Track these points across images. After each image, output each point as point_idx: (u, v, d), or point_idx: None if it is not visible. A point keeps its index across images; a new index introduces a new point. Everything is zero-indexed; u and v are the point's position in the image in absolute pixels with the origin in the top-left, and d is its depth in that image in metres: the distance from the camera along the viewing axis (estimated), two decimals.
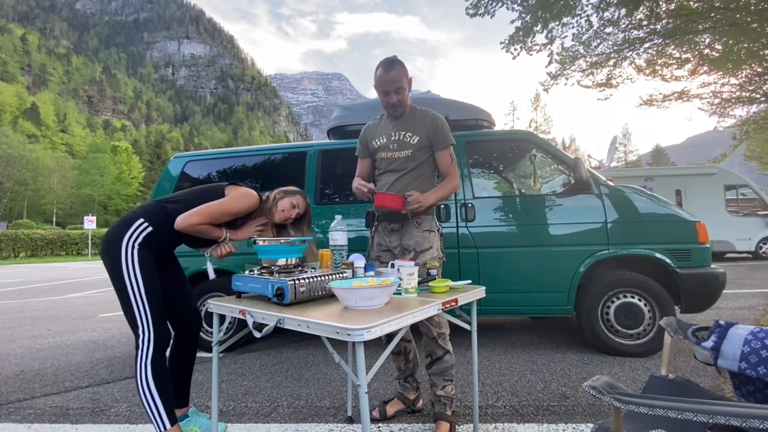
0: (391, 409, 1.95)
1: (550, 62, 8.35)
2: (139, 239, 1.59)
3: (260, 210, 1.81)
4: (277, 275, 1.39)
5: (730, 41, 7.17)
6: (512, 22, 7.32)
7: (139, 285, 1.56)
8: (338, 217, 1.84)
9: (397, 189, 1.86)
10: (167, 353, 1.64)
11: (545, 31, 7.50)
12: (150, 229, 1.62)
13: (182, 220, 1.59)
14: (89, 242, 23.16)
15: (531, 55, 7.93)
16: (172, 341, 1.70)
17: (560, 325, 3.70)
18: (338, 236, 1.76)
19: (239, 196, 1.71)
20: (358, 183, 1.91)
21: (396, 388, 2.12)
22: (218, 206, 1.66)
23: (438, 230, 1.92)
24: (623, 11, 6.88)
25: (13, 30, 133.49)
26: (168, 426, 1.50)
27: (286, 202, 1.81)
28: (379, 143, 1.95)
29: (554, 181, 3.72)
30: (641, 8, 6.71)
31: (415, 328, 1.89)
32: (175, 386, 1.76)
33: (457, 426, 1.79)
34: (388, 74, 1.78)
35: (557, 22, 7.36)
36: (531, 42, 7.65)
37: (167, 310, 1.68)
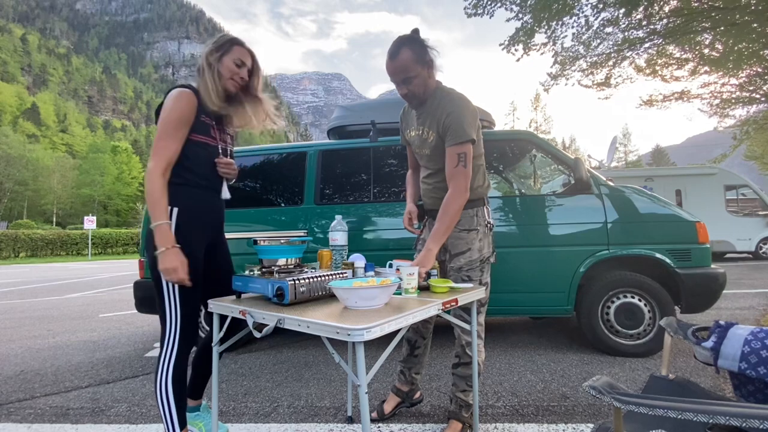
0: (388, 407, 1.91)
1: (555, 62, 8.34)
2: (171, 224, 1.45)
3: (207, 95, 1.48)
4: (277, 275, 1.39)
5: (730, 41, 7.17)
6: (508, 20, 7.33)
7: (171, 289, 1.45)
8: (338, 217, 1.85)
9: (428, 188, 1.75)
10: (191, 353, 1.55)
11: (545, 31, 7.51)
12: (176, 210, 1.45)
13: (149, 168, 1.38)
14: (89, 242, 23.16)
15: (529, 55, 7.93)
16: (206, 332, 1.61)
17: (560, 325, 3.70)
18: (338, 236, 1.77)
19: (169, 107, 1.42)
20: (406, 220, 1.80)
21: (393, 382, 2.07)
22: (160, 130, 1.40)
23: (486, 226, 1.69)
24: (622, 11, 6.88)
25: (13, 30, 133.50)
26: (177, 430, 1.46)
27: (229, 64, 1.49)
28: (409, 137, 1.79)
29: (554, 181, 3.72)
30: (640, 8, 6.71)
31: (449, 329, 1.86)
32: (194, 376, 1.70)
33: (470, 428, 1.69)
34: (393, 63, 1.54)
35: (556, 22, 7.36)
36: (531, 42, 7.66)
37: (205, 296, 1.54)
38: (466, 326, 1.62)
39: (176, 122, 1.41)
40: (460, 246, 1.65)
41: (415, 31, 1.57)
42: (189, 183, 1.49)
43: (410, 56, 1.52)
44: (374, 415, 1.90)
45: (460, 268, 1.63)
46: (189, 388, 1.66)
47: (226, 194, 1.61)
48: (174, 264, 1.34)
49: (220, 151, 1.57)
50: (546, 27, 7.41)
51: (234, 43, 1.51)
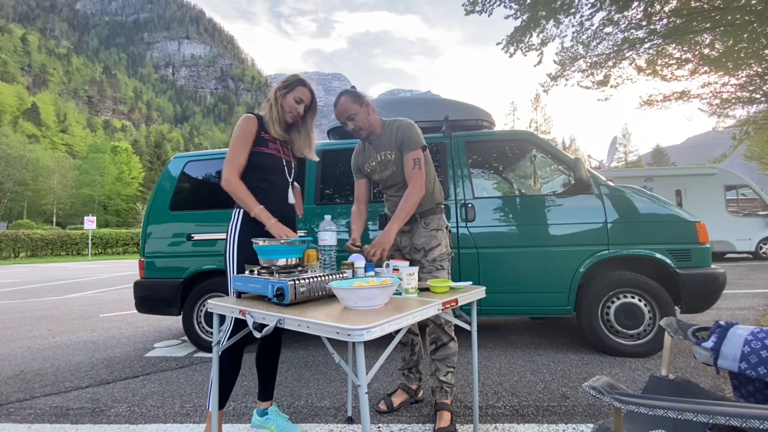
0: (396, 401, 2.03)
1: (540, 62, 8.31)
2: (238, 223, 1.70)
3: (271, 122, 1.76)
4: (277, 275, 1.39)
5: (730, 41, 7.17)
6: (506, 17, 7.30)
7: (234, 273, 1.66)
8: (327, 217, 1.84)
9: (398, 199, 1.94)
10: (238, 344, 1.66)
11: (540, 30, 7.49)
12: (242, 210, 1.71)
13: (225, 176, 1.67)
14: (89, 242, 23.14)
15: (526, 55, 7.91)
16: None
17: (560, 325, 3.70)
18: (327, 236, 1.75)
19: (236, 127, 1.74)
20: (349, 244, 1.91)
21: (399, 380, 2.18)
22: (230, 145, 1.72)
23: (446, 227, 1.99)
24: (614, 8, 6.85)
25: (13, 30, 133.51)
26: (209, 408, 1.61)
27: (290, 101, 1.77)
28: (369, 168, 2.05)
29: (554, 182, 3.72)
30: (634, 4, 6.69)
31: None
32: (260, 378, 1.85)
33: (455, 415, 1.85)
34: (336, 108, 1.90)
35: (554, 21, 7.35)
36: (527, 42, 7.64)
37: None
38: (466, 326, 1.63)
39: (240, 138, 1.71)
40: (432, 242, 1.92)
41: (353, 87, 1.97)
42: (260, 186, 1.73)
43: (348, 99, 1.87)
44: (383, 406, 1.99)
45: (434, 260, 1.89)
46: (258, 390, 1.86)
47: (291, 199, 1.85)
48: (284, 229, 1.66)
49: (284, 163, 1.82)
50: (542, 27, 7.39)
51: (299, 83, 1.78)
